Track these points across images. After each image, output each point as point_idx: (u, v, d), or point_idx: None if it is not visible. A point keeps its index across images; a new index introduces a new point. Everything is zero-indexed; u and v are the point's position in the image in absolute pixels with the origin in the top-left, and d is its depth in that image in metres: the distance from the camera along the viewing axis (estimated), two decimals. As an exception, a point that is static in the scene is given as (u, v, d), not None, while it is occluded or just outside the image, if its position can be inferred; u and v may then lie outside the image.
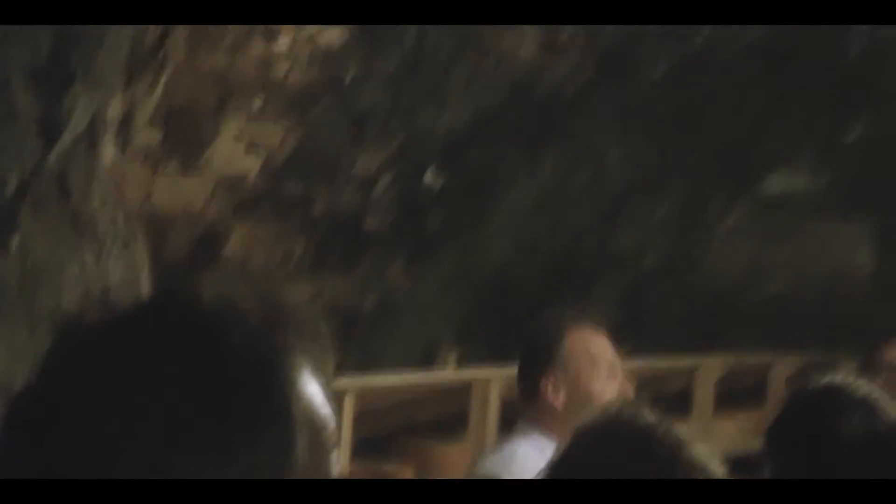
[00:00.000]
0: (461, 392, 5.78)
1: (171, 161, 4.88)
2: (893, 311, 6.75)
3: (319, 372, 1.11)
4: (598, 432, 2.15)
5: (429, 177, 5.96)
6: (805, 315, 7.57)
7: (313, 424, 1.08)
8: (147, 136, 4.73)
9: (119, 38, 4.10)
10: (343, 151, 5.46)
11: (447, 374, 6.20)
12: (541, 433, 3.53)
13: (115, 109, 4.52)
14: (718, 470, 2.10)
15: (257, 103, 5.00)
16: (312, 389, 1.09)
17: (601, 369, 3.64)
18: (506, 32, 5.53)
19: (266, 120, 5.08)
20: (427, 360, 6.33)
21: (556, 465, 2.16)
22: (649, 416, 2.10)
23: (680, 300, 7.55)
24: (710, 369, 6.56)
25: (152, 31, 4.30)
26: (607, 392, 3.61)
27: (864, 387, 2.78)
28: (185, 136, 4.91)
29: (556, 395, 3.58)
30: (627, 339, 4.50)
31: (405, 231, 5.95)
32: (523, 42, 5.67)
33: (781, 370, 6.53)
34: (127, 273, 4.58)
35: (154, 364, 1.06)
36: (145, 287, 4.69)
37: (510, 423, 3.95)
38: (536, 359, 3.67)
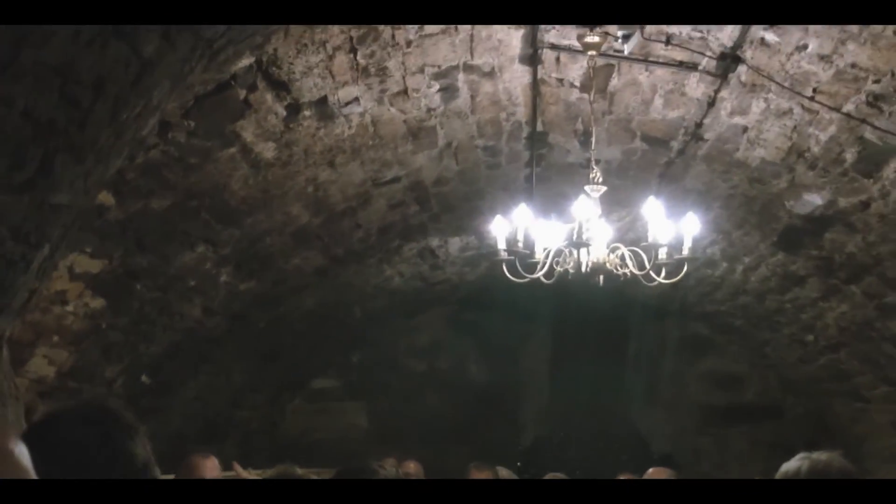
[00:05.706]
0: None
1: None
2: (379, 448, 8.43)
3: (144, 444, 1.88)
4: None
5: (144, 378, 6.94)
6: (334, 450, 8.89)
7: (150, 467, 1.89)
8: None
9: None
10: (100, 365, 6.18)
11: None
12: None
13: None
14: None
15: (55, 338, 5.62)
16: (147, 452, 1.82)
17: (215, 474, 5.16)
18: (184, 303, 6.39)
19: (59, 348, 5.71)
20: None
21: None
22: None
23: (269, 442, 9.46)
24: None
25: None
26: None
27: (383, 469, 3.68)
28: (17, 357, 5.17)
29: None
30: (248, 463, 6.48)
31: (129, 407, 5.34)
32: (194, 307, 6.62)
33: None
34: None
35: (85, 441, 1.64)
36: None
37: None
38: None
